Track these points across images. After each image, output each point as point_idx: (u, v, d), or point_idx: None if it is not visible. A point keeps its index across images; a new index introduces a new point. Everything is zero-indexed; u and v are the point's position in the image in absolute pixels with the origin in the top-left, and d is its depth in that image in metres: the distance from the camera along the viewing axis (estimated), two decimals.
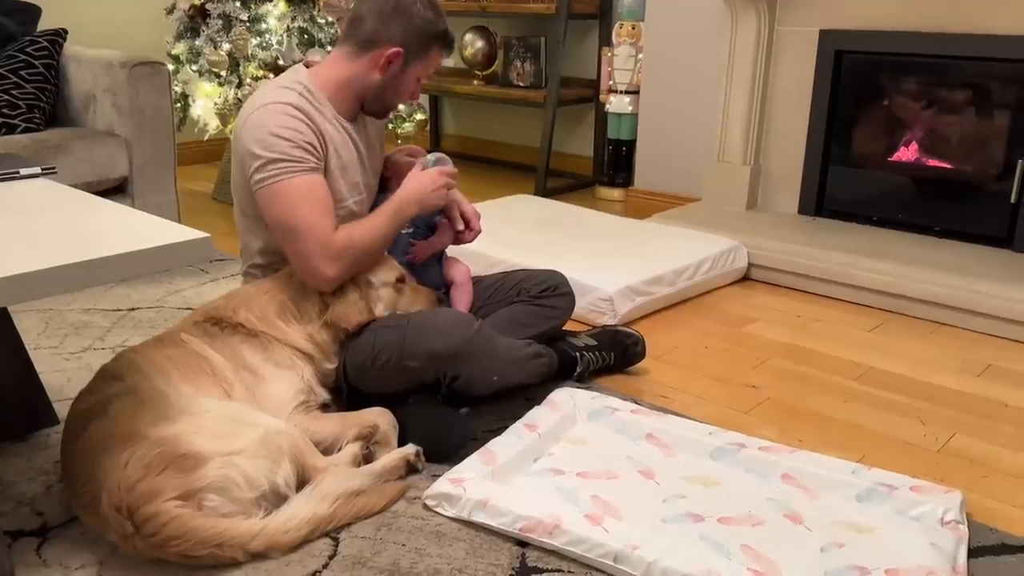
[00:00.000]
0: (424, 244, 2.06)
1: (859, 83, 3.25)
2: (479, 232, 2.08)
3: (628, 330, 2.30)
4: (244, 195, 1.88)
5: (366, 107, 1.94)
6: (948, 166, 3.14)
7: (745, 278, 3.08)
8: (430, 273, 2.09)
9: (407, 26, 1.83)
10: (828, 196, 3.37)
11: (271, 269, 1.94)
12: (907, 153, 3.22)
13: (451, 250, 2.17)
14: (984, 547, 1.57)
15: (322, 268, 1.78)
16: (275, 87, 1.86)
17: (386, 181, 2.11)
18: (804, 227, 3.26)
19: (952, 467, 1.88)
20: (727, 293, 2.95)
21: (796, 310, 2.81)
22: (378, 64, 1.85)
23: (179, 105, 3.57)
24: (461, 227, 2.05)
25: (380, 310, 1.88)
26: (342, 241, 1.79)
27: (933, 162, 3.17)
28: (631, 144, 4.07)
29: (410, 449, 1.74)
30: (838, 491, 1.69)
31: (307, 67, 1.92)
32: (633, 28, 3.90)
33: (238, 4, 3.45)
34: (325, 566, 1.47)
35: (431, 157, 1.98)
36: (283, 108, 1.78)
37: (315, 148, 1.80)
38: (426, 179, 1.90)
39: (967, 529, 1.59)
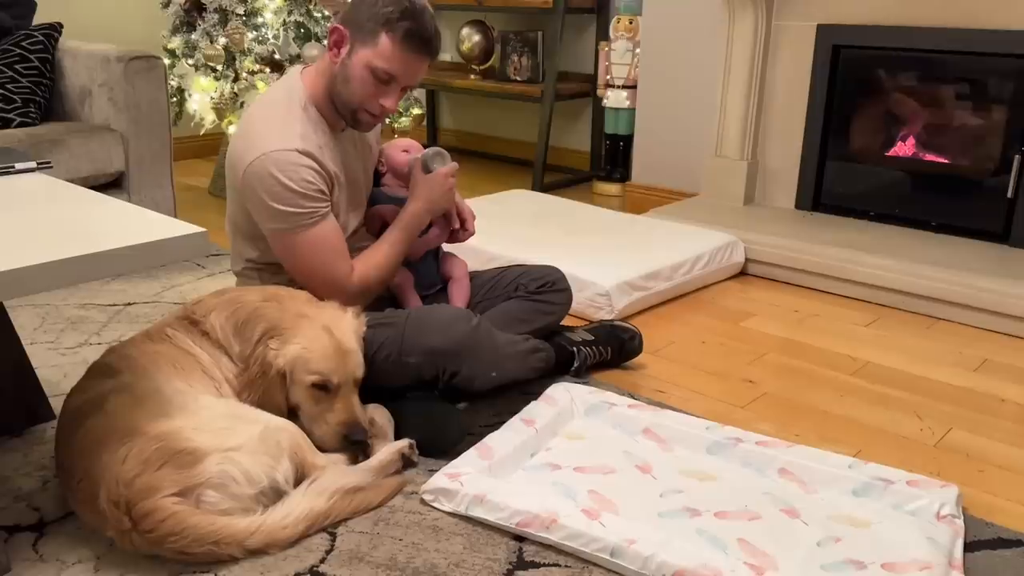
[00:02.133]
0: (419, 242, 2.05)
1: (857, 78, 3.24)
2: (472, 233, 2.09)
3: (625, 325, 2.30)
4: (242, 215, 1.87)
5: (340, 112, 1.86)
6: (945, 161, 3.14)
7: (742, 273, 3.08)
8: (427, 269, 2.09)
9: (356, 6, 1.79)
10: (825, 191, 3.37)
11: (267, 272, 1.94)
12: (904, 148, 3.22)
13: (448, 246, 2.17)
14: (980, 541, 1.58)
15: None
16: (279, 122, 1.79)
17: (380, 176, 2.11)
18: (801, 222, 3.26)
19: (949, 462, 1.88)
20: (724, 288, 2.95)
21: (793, 305, 2.81)
22: (330, 49, 1.82)
23: (175, 100, 3.56)
24: (457, 226, 2.05)
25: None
26: (358, 284, 1.85)
27: (930, 157, 3.17)
28: (628, 139, 4.07)
29: (403, 442, 1.73)
30: (835, 485, 1.70)
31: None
32: (631, 22, 3.89)
33: None
34: (322, 561, 1.47)
35: (430, 152, 1.97)
36: (292, 157, 1.74)
37: (325, 193, 1.81)
38: (434, 185, 1.92)
39: (963, 523, 1.59)
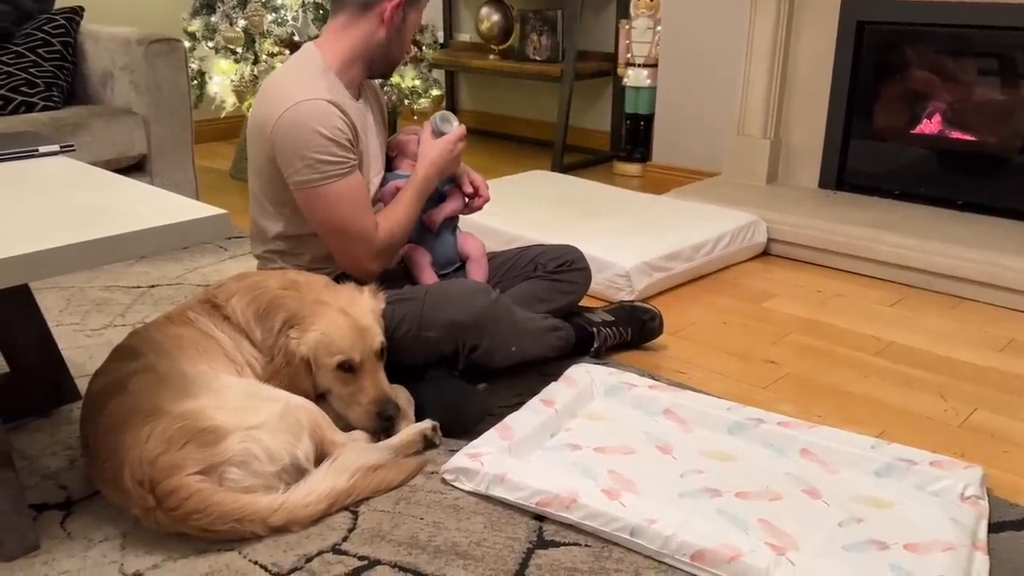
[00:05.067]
0: (436, 210, 2.06)
1: (881, 54, 3.19)
2: (488, 199, 2.10)
3: (645, 305, 2.29)
4: (267, 183, 1.88)
5: (372, 70, 1.94)
6: (971, 138, 3.09)
7: (764, 253, 3.06)
8: (445, 246, 2.09)
9: None
10: (849, 170, 3.33)
11: (289, 255, 1.95)
12: (930, 125, 3.17)
13: (466, 225, 2.17)
14: (1005, 522, 1.56)
15: (368, 266, 1.89)
16: (303, 80, 1.82)
17: (391, 161, 2.12)
18: (825, 201, 3.23)
19: (973, 442, 1.86)
20: (746, 268, 2.93)
21: (816, 285, 2.79)
22: (383, 20, 1.86)
23: (195, 82, 3.57)
24: (471, 191, 2.06)
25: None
26: (384, 239, 1.88)
27: (956, 135, 3.12)
28: (649, 118, 4.03)
29: (427, 424, 1.74)
30: (857, 466, 1.69)
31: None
32: (651, 0, 3.85)
33: None
34: (344, 539, 1.48)
35: (437, 116, 2.00)
36: (323, 106, 1.77)
37: (353, 144, 1.83)
38: (442, 149, 1.95)
39: (987, 504, 1.58)
